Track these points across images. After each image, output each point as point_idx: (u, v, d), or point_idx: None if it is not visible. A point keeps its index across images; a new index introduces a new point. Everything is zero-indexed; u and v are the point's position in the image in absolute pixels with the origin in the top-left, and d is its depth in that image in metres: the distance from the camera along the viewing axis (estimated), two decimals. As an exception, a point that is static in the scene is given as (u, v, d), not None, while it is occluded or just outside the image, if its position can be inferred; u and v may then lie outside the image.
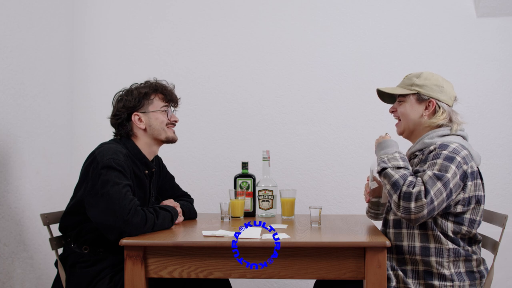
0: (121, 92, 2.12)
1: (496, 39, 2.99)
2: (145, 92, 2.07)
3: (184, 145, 3.07)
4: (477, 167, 1.82)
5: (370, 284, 1.61)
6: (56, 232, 2.02)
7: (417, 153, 1.88)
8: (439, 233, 1.74)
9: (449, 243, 1.74)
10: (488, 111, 2.99)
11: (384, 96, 2.06)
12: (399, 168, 1.73)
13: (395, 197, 1.67)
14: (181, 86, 2.80)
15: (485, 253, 1.95)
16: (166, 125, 2.09)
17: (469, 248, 1.78)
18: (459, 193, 1.73)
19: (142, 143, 2.08)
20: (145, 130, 2.06)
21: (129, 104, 2.05)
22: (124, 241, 1.67)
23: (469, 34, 3.01)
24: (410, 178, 1.68)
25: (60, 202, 2.75)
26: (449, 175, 1.68)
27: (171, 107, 2.15)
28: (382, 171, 1.76)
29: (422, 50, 3.02)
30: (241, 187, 2.34)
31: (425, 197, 1.63)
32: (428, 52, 3.02)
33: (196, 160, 3.09)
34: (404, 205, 1.64)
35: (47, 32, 2.79)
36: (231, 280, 2.26)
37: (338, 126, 3.03)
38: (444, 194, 1.66)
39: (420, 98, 1.91)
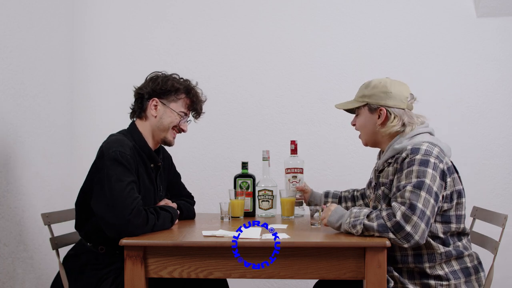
0: (159, 73, 2.09)
1: (496, 39, 2.99)
2: (177, 88, 2.05)
3: (184, 145, 3.07)
4: (451, 161, 1.82)
5: (370, 284, 1.61)
6: (57, 232, 2.03)
7: (390, 160, 1.87)
8: (429, 239, 1.74)
9: (440, 246, 1.74)
10: (488, 111, 2.99)
11: (348, 110, 2.05)
12: (367, 216, 1.70)
13: (391, 236, 1.65)
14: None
15: (485, 253, 1.95)
16: (173, 127, 2.06)
17: (459, 243, 1.78)
18: (442, 193, 1.73)
19: (147, 129, 2.05)
20: (155, 117, 2.04)
21: (157, 88, 2.03)
22: (124, 241, 1.67)
23: (469, 34, 3.01)
24: (384, 213, 1.67)
25: (60, 202, 2.75)
26: (427, 180, 1.67)
27: (191, 116, 2.13)
28: (362, 227, 1.70)
29: (422, 50, 3.02)
30: (241, 187, 2.34)
31: (413, 213, 1.62)
32: (428, 52, 3.02)
33: (196, 160, 3.09)
34: (402, 234, 1.63)
35: (47, 32, 2.79)
36: (231, 280, 2.26)
37: (338, 126, 3.03)
38: (432, 200, 1.66)
39: (371, 108, 1.91)
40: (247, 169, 2.35)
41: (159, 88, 2.03)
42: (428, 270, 1.74)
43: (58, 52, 2.92)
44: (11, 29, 2.44)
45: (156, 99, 2.03)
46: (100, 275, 1.87)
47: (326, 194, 2.31)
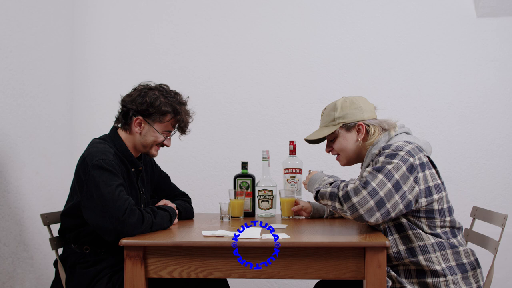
0: (149, 87, 2.04)
1: (496, 39, 2.99)
2: (165, 112, 2.01)
3: (184, 145, 3.07)
4: (428, 157, 1.83)
5: (370, 284, 1.61)
6: (56, 232, 2.03)
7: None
8: (418, 231, 1.76)
9: (430, 237, 1.76)
10: (488, 111, 2.99)
11: (313, 142, 2.08)
12: (330, 184, 1.80)
13: (337, 205, 1.72)
14: (181, 86, 2.80)
15: (485, 253, 1.95)
16: (157, 144, 2.06)
17: (454, 240, 1.79)
18: (413, 187, 1.73)
19: (131, 141, 2.04)
20: (139, 134, 2.03)
21: (143, 108, 1.99)
22: (124, 241, 1.66)
23: (469, 34, 3.01)
24: (342, 183, 1.74)
25: (60, 202, 2.75)
26: (390, 166, 1.71)
27: (176, 132, 2.11)
28: (317, 194, 1.82)
29: (422, 50, 3.02)
30: (240, 187, 2.34)
31: (365, 188, 1.67)
32: (428, 52, 3.02)
33: (196, 160, 3.09)
34: (348, 205, 1.69)
35: (47, 32, 2.79)
36: (231, 280, 2.26)
37: (338, 126, 3.03)
38: (390, 185, 1.68)
39: (348, 127, 1.95)
40: (247, 169, 2.35)
41: (146, 108, 1.99)
42: (424, 263, 1.74)
43: (58, 52, 2.92)
44: (11, 29, 2.44)
45: (140, 118, 2.01)
46: (91, 273, 1.87)
47: None
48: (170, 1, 3.13)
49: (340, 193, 1.72)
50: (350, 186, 1.70)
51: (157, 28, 3.13)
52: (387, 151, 1.77)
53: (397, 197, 1.70)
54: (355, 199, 1.68)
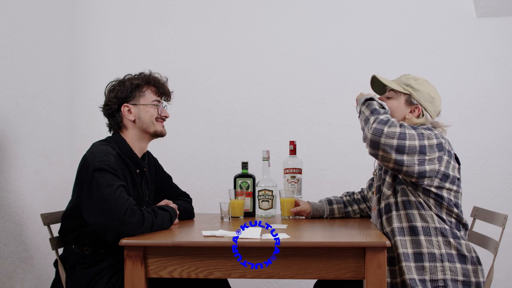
0: (113, 82, 2.10)
1: (496, 39, 2.99)
2: (137, 84, 2.06)
3: (184, 145, 3.08)
4: (454, 153, 1.87)
5: (370, 284, 1.61)
6: (56, 232, 2.02)
7: None
8: (424, 212, 1.79)
9: (436, 219, 1.78)
10: (488, 111, 2.99)
11: (376, 84, 2.08)
12: (382, 107, 1.88)
13: (372, 119, 1.77)
14: (181, 86, 2.81)
15: (485, 253, 1.95)
16: (156, 119, 2.07)
17: (457, 232, 1.80)
18: (434, 162, 1.76)
19: (132, 136, 2.06)
20: (134, 121, 2.05)
21: (120, 95, 2.04)
22: (124, 241, 1.67)
23: (469, 34, 3.01)
24: (390, 116, 1.81)
25: (60, 202, 2.75)
26: (425, 132, 1.77)
27: (163, 101, 2.14)
28: (365, 101, 1.88)
29: (422, 50, 3.02)
30: (241, 187, 2.34)
31: (400, 127, 1.74)
32: (428, 52, 3.02)
33: (196, 160, 3.09)
34: (378, 126, 1.74)
35: (47, 32, 2.79)
36: (231, 280, 2.26)
37: (338, 126, 3.03)
38: (417, 143, 1.73)
39: (410, 100, 1.96)
40: (247, 169, 2.35)
41: (122, 93, 2.04)
42: (424, 244, 1.76)
43: (58, 52, 2.92)
44: (11, 29, 2.44)
45: (126, 104, 2.04)
46: (91, 274, 1.87)
47: (330, 202, 2.30)
48: (170, 1, 3.13)
49: (382, 116, 1.78)
50: (392, 119, 1.77)
51: (157, 28, 3.13)
52: (420, 128, 1.81)
53: (416, 157, 1.74)
54: (386, 129, 1.73)
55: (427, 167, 1.75)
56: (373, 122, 1.76)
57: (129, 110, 2.04)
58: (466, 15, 3.01)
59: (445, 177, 1.79)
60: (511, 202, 2.93)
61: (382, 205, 1.90)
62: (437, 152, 1.77)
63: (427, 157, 1.75)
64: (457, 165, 1.85)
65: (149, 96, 2.08)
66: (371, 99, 1.90)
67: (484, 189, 2.96)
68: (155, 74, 2.14)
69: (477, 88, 3.00)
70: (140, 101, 2.06)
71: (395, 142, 1.72)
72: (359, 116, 1.91)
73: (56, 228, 2.03)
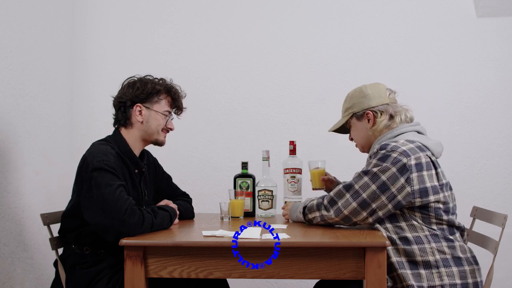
0: (134, 78, 2.10)
1: (496, 39, 2.99)
2: (158, 90, 2.06)
3: (184, 145, 3.08)
4: (429, 157, 1.81)
5: (370, 284, 1.61)
6: (56, 232, 2.03)
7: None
8: (412, 222, 1.78)
9: (425, 229, 1.77)
10: (488, 111, 2.99)
11: (337, 131, 2.13)
12: (311, 200, 1.97)
13: (324, 212, 1.88)
14: (181, 86, 2.80)
15: (485, 253, 1.95)
16: (162, 129, 2.09)
17: (450, 235, 1.79)
18: (404, 187, 1.74)
19: (134, 135, 2.06)
20: (141, 123, 2.05)
21: (139, 94, 2.04)
22: (124, 241, 1.67)
23: (469, 34, 3.01)
24: (326, 195, 1.90)
25: (60, 202, 2.75)
26: (376, 169, 1.77)
27: (173, 113, 2.15)
28: (304, 210, 1.96)
29: (422, 50, 3.02)
30: (240, 187, 2.34)
31: (347, 191, 1.81)
32: (428, 52, 3.02)
33: (196, 160, 3.09)
34: (334, 208, 1.84)
35: (47, 32, 2.79)
36: (231, 280, 2.26)
37: (338, 126, 3.03)
38: (374, 187, 1.76)
39: (358, 116, 1.99)
40: (247, 169, 2.36)
41: (140, 93, 2.04)
42: (417, 253, 1.74)
43: (58, 52, 2.92)
44: (11, 29, 2.44)
45: (139, 104, 2.04)
46: (91, 274, 1.87)
47: None
48: (170, 1, 3.13)
49: (325, 201, 1.87)
50: (334, 191, 1.85)
51: (157, 28, 3.13)
52: (382, 152, 1.80)
53: (383, 197, 1.75)
54: (340, 202, 1.82)
55: (399, 197, 1.75)
56: (328, 210, 1.86)
57: (140, 111, 2.04)
58: (466, 15, 3.01)
59: (424, 192, 1.76)
60: (511, 202, 2.94)
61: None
62: (401, 177, 1.74)
63: (393, 190, 1.75)
64: (433, 171, 1.80)
65: (164, 105, 2.09)
66: (304, 206, 1.98)
67: (484, 189, 2.96)
68: (176, 85, 2.14)
69: (477, 88, 3.00)
70: (154, 106, 2.06)
71: (354, 204, 1.79)
72: (312, 222, 1.97)
73: (56, 228, 2.03)
